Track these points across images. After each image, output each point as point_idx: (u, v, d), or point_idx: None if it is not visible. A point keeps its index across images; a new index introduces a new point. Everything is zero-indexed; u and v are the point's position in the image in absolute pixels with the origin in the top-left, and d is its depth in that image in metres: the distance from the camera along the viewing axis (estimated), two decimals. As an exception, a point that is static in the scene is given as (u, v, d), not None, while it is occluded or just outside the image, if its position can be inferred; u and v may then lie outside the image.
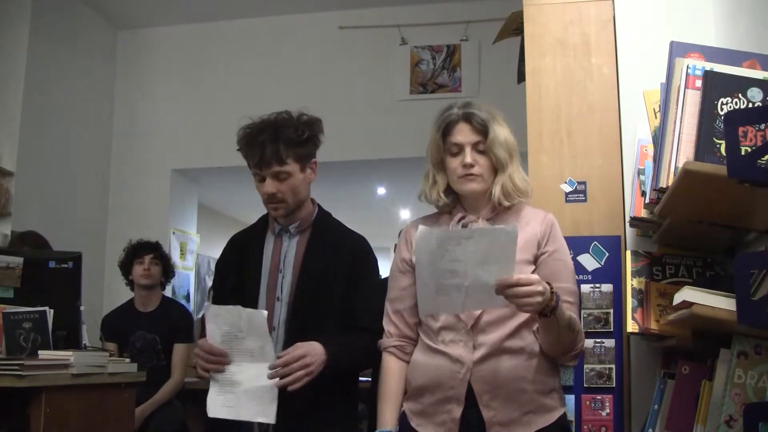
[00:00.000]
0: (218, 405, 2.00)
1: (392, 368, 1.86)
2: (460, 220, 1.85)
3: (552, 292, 1.58)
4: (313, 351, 1.94)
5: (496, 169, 1.81)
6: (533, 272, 1.74)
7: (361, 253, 2.22)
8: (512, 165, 1.80)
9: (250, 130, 2.12)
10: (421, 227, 1.58)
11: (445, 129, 1.82)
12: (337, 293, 2.11)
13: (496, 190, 1.79)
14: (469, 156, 1.78)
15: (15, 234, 3.86)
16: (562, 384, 1.86)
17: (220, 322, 1.99)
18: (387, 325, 1.90)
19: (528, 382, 1.70)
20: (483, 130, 1.78)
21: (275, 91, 5.35)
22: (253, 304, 2.11)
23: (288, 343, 2.06)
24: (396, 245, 4.72)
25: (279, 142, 2.07)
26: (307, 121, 2.17)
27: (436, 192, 1.86)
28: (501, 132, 1.79)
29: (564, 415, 1.77)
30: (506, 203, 1.80)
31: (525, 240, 1.77)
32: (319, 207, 2.27)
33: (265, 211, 2.29)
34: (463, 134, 1.79)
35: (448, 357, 1.74)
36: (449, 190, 1.87)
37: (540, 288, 1.54)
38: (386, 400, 1.83)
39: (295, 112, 2.17)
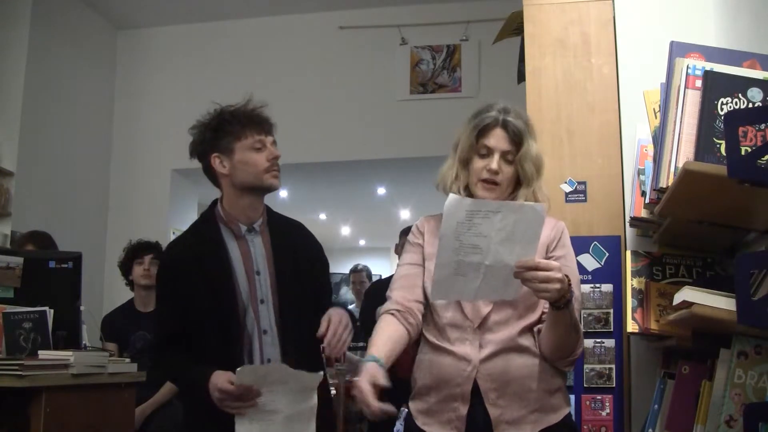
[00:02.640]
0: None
1: (387, 321, 1.76)
2: None
3: (569, 284, 1.57)
4: (341, 312, 2.05)
5: (520, 181, 1.80)
6: None
7: (311, 237, 2.30)
8: (537, 181, 1.79)
9: (242, 109, 2.18)
10: (451, 195, 1.55)
11: (481, 129, 1.80)
12: (311, 283, 2.15)
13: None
14: (495, 162, 1.76)
15: (24, 233, 3.85)
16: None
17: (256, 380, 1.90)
18: (393, 294, 1.83)
19: (534, 381, 1.70)
20: (516, 140, 1.77)
21: (275, 91, 5.34)
22: (234, 310, 2.05)
23: (284, 344, 2.06)
24: (396, 245, 4.75)
25: (270, 119, 2.21)
26: None
27: (456, 187, 1.83)
28: (533, 146, 1.78)
29: (570, 415, 1.77)
30: None
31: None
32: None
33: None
34: (497, 139, 1.77)
35: (453, 355, 1.73)
36: (467, 188, 1.85)
37: (559, 275, 1.53)
38: (377, 334, 1.73)
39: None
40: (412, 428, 1.78)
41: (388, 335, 1.73)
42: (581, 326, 1.73)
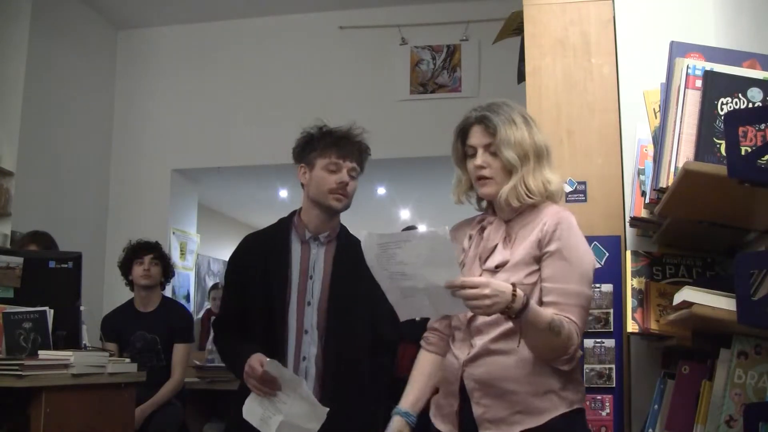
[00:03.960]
0: (257, 416, 2.11)
1: (418, 358, 1.95)
2: (479, 222, 1.88)
3: (514, 294, 1.55)
4: None
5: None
6: (529, 273, 1.73)
7: None
8: (526, 166, 1.78)
9: (340, 128, 2.34)
10: (363, 232, 1.61)
11: (462, 133, 1.85)
12: (364, 301, 2.26)
13: (504, 191, 1.77)
14: (479, 158, 1.80)
15: (25, 233, 3.85)
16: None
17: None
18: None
19: (518, 383, 1.69)
20: (494, 132, 1.79)
21: (275, 91, 5.35)
22: (282, 306, 2.24)
23: (323, 345, 2.23)
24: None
25: (362, 147, 2.36)
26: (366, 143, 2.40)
27: (458, 193, 1.89)
28: (513, 134, 1.77)
29: (563, 418, 1.70)
30: (515, 204, 1.77)
31: (530, 241, 1.75)
32: (340, 222, 2.43)
33: (280, 216, 2.41)
34: (476, 137, 1.82)
35: (452, 354, 1.81)
36: (470, 190, 1.91)
37: (487, 291, 1.52)
38: (408, 384, 1.91)
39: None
40: (427, 420, 1.87)
41: (414, 378, 1.91)
42: (572, 325, 1.66)
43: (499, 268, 1.74)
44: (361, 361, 2.30)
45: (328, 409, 2.09)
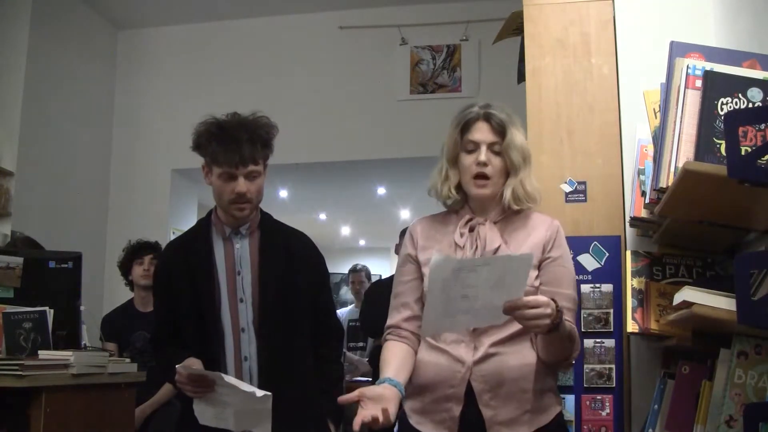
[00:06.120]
0: (209, 415, 2.04)
1: (387, 347, 1.81)
2: (467, 222, 1.83)
3: (557, 310, 1.58)
4: None
5: (508, 171, 1.80)
6: (536, 277, 1.75)
7: (314, 250, 2.33)
8: (524, 170, 1.80)
9: (225, 129, 2.11)
10: (435, 256, 1.53)
11: (464, 126, 1.81)
12: (301, 289, 2.19)
13: (507, 194, 1.79)
14: (483, 154, 1.77)
15: (11, 238, 3.85)
16: (560, 384, 1.86)
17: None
18: (391, 318, 1.85)
19: (528, 382, 1.71)
20: (501, 131, 1.78)
21: (275, 91, 5.35)
22: (212, 307, 2.13)
23: (261, 343, 2.12)
24: (396, 245, 4.74)
25: (256, 142, 2.11)
26: (270, 124, 2.19)
27: (447, 188, 1.84)
28: (518, 136, 1.79)
29: (561, 414, 1.79)
30: (515, 207, 1.80)
31: (532, 245, 1.78)
32: (260, 209, 2.28)
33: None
34: (481, 133, 1.79)
35: (449, 356, 1.74)
36: (459, 188, 1.85)
37: (548, 311, 1.54)
38: (384, 364, 1.75)
39: (250, 114, 2.17)
40: (405, 426, 1.79)
41: (388, 358, 1.75)
42: (576, 330, 1.73)
43: None
44: (304, 354, 2.19)
45: (263, 391, 1.94)
